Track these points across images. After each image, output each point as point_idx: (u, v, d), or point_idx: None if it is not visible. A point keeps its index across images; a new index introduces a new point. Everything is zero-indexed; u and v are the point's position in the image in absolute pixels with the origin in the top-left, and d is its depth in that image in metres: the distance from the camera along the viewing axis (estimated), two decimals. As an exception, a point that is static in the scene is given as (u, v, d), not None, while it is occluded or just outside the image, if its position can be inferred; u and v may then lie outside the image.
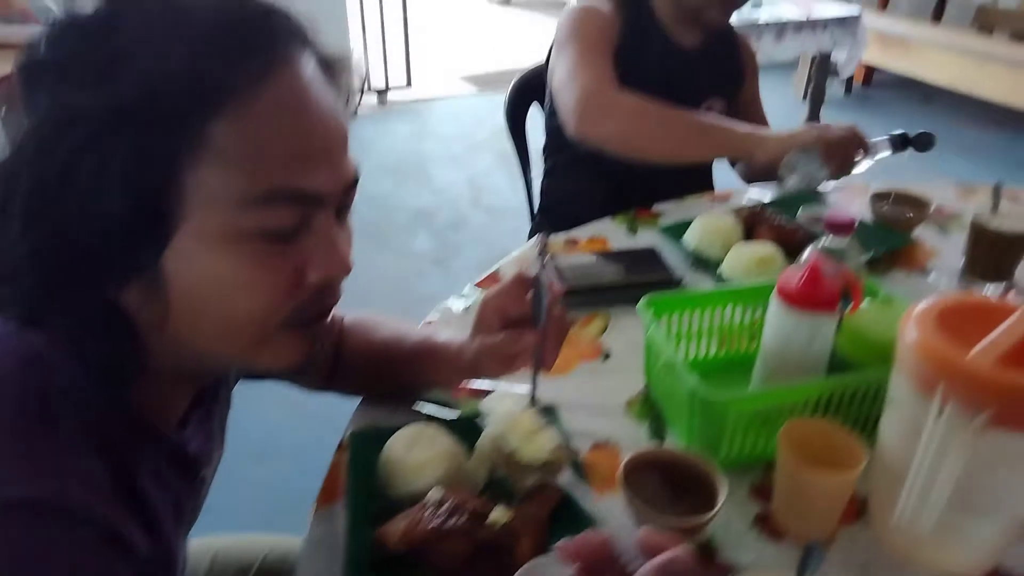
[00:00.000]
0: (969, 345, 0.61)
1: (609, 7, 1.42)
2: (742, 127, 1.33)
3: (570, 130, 1.30)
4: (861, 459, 0.69)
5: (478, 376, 0.85)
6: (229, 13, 0.50)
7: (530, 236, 1.70)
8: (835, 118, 4.97)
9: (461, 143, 4.08)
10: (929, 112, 4.73)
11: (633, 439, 0.86)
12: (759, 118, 1.61)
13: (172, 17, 0.49)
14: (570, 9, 1.42)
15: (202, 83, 0.47)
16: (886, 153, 1.36)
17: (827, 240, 0.85)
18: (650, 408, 0.91)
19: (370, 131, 4.47)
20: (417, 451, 0.76)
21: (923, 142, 1.34)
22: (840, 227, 0.83)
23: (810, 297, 0.78)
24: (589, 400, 0.92)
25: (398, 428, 0.80)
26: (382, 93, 4.79)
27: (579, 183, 1.56)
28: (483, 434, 0.80)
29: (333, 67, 0.57)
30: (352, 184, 0.58)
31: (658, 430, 0.87)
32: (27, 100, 0.48)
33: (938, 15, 5.16)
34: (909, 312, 0.66)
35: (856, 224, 0.84)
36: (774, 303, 0.81)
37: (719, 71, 1.52)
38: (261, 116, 0.49)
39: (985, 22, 5.03)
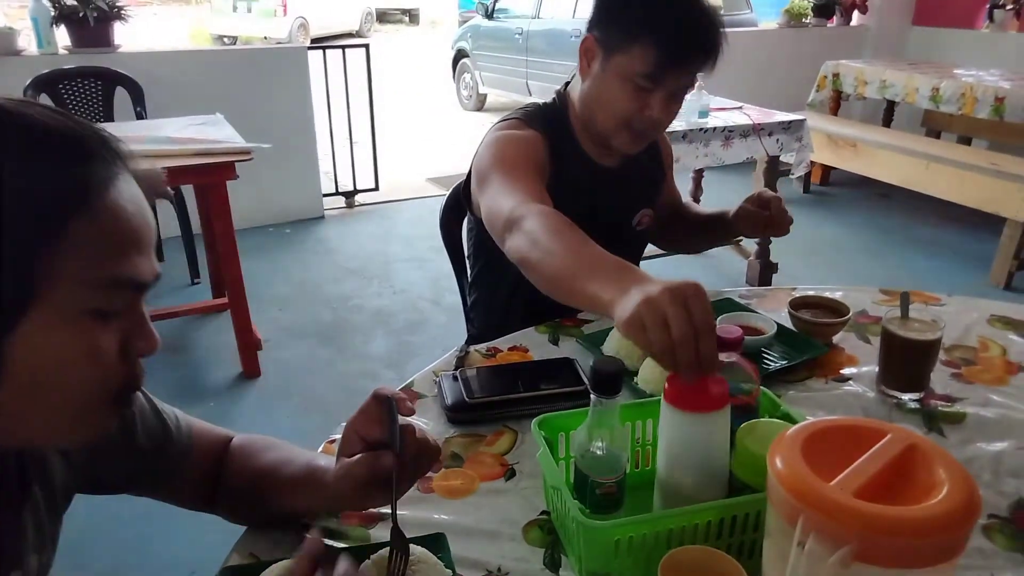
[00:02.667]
0: (834, 474, 0.60)
1: (531, 131, 1.38)
2: (612, 282, 0.90)
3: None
4: (743, 592, 0.66)
5: (346, 506, 0.82)
6: (66, 129, 0.57)
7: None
8: (795, 214, 5.10)
9: (426, 244, 4.12)
10: (886, 208, 4.87)
11: (526, 569, 0.82)
12: (675, 191, 1.68)
13: (17, 128, 0.55)
14: (490, 138, 1.38)
15: (59, 188, 0.55)
16: None
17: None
18: (548, 533, 0.87)
19: (337, 232, 4.52)
20: (286, 590, 0.72)
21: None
22: (726, 344, 0.82)
23: (696, 396, 0.76)
24: (485, 525, 0.88)
25: (275, 562, 0.76)
26: (350, 196, 4.86)
27: (499, 293, 1.56)
28: (361, 566, 0.76)
29: (143, 181, 0.63)
30: (157, 277, 0.63)
31: (554, 559, 0.83)
32: None
33: (887, 120, 5.39)
34: (779, 438, 0.65)
35: (743, 339, 0.84)
36: (664, 410, 0.79)
37: (645, 182, 1.54)
38: (110, 214, 0.57)
39: (932, 126, 5.26)
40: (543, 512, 0.90)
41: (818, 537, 0.56)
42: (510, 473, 0.97)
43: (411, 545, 0.77)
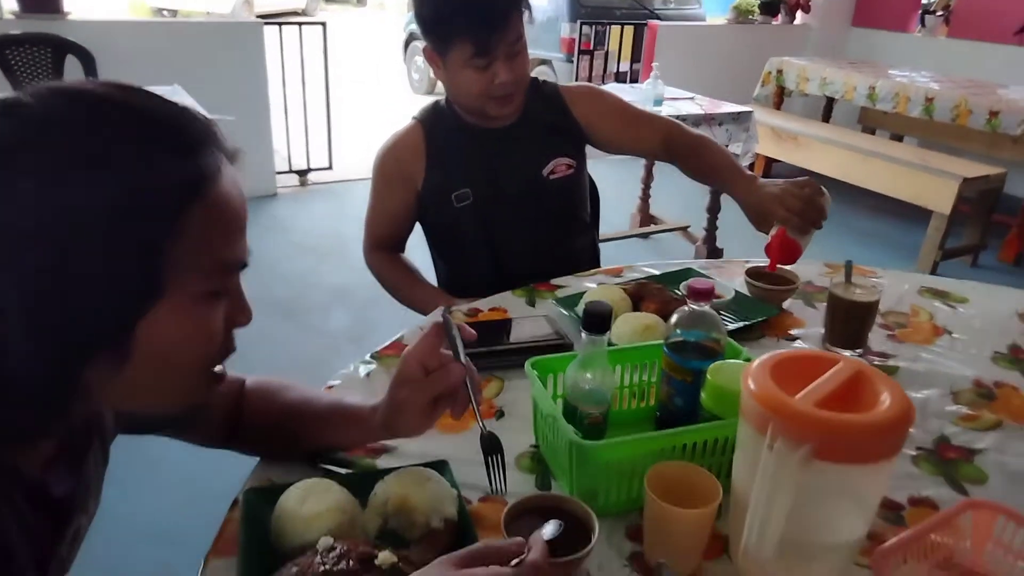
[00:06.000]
0: (796, 391, 0.71)
1: (414, 127, 1.60)
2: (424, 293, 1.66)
3: None
4: (717, 496, 0.77)
5: (395, 434, 0.89)
6: (182, 118, 0.61)
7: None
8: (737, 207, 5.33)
9: (382, 223, 4.16)
10: (822, 201, 5.10)
11: (521, 490, 0.91)
12: (653, 126, 1.66)
13: (138, 119, 0.58)
14: (378, 151, 1.62)
15: (182, 178, 0.58)
16: None
17: (690, 307, 0.95)
18: (538, 462, 0.97)
19: (290, 210, 4.52)
20: (309, 504, 0.80)
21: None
22: (700, 294, 0.93)
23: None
24: (480, 456, 0.97)
25: (292, 484, 0.84)
26: (303, 174, 4.86)
27: (463, 262, 1.71)
28: (376, 484, 0.84)
29: (234, 158, 0.67)
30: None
31: (545, 482, 0.93)
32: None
33: (827, 116, 5.65)
34: (749, 366, 0.76)
35: (714, 290, 0.95)
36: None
37: (548, 133, 1.60)
38: (219, 202, 0.61)
39: (868, 123, 5.54)
40: (532, 445, 1.00)
41: (784, 440, 0.67)
42: (499, 414, 1.07)
43: (420, 467, 0.86)
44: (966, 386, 1.18)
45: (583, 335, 0.88)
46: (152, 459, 2.14)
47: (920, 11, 6.08)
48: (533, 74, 1.60)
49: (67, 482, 0.69)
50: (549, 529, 0.68)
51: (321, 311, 3.30)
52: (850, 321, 1.23)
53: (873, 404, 0.71)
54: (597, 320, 0.86)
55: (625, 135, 1.67)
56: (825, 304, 1.29)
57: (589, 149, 1.68)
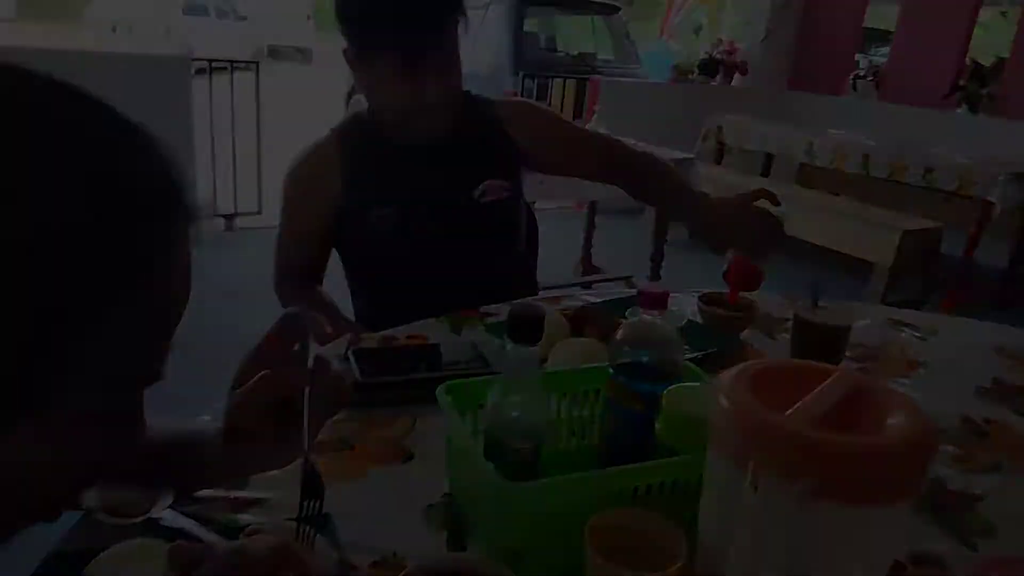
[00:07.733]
0: (785, 410, 0.53)
1: (329, 139, 1.43)
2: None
3: None
4: (681, 554, 0.58)
5: (237, 464, 0.69)
6: (139, 161, 0.41)
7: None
8: (682, 256, 5.25)
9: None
10: (764, 253, 5.09)
11: (429, 551, 0.70)
12: (596, 143, 1.55)
13: (74, 147, 0.38)
14: (289, 166, 1.43)
15: (117, 256, 0.38)
16: None
17: (638, 313, 0.77)
18: (453, 516, 0.76)
19: (215, 256, 4.25)
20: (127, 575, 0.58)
21: None
22: (654, 299, 0.75)
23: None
24: (380, 509, 0.77)
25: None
26: (230, 218, 4.61)
27: (376, 300, 1.52)
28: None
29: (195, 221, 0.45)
30: None
31: (458, 541, 0.73)
32: None
33: (765, 172, 5.69)
34: (720, 379, 0.58)
35: (670, 298, 0.77)
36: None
37: (482, 153, 1.44)
38: (158, 295, 0.42)
39: (806, 181, 5.60)
40: (445, 494, 0.79)
41: (775, 474, 0.49)
42: (407, 456, 0.86)
43: (291, 522, 0.65)
44: (953, 423, 1.02)
45: (507, 346, 0.69)
46: None
47: (852, 76, 6.26)
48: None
49: None
50: None
51: (242, 353, 3.03)
52: (821, 348, 1.07)
53: (880, 426, 0.54)
54: (525, 325, 0.68)
55: (565, 153, 1.51)
56: (789, 334, 1.13)
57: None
